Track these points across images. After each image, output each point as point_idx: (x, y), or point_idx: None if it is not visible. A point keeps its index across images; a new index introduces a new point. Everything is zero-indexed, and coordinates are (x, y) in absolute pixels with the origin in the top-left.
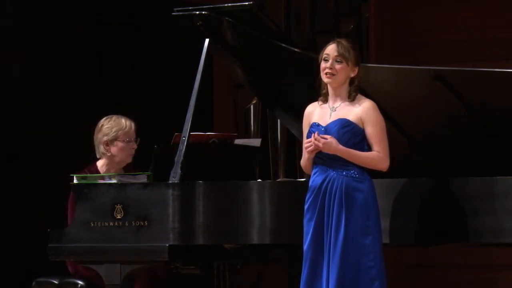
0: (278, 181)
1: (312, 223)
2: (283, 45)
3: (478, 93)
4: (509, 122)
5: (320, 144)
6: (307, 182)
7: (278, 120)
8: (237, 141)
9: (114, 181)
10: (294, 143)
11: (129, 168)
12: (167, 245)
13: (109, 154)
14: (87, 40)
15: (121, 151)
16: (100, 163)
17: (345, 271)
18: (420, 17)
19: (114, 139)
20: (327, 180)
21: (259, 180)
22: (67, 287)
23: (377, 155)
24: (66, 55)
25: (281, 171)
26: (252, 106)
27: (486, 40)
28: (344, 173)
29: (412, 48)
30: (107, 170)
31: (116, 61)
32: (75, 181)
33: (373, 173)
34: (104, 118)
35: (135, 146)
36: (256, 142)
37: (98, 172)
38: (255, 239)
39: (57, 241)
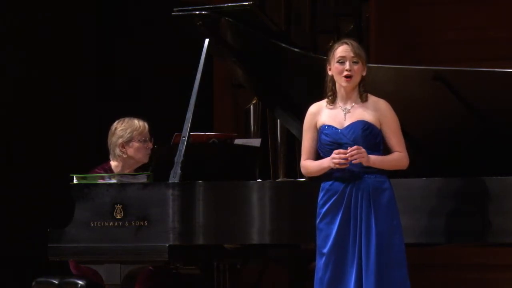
0: (278, 181)
1: (335, 226)
2: (283, 45)
3: (478, 93)
4: (509, 122)
5: (363, 154)
6: (307, 182)
7: (278, 120)
8: (237, 141)
9: (114, 181)
10: (294, 143)
11: (145, 169)
12: (167, 245)
13: (125, 156)
14: (88, 40)
15: (137, 151)
16: (114, 164)
17: (382, 271)
18: (420, 17)
19: (130, 140)
20: (351, 183)
21: (259, 180)
22: (67, 287)
23: (400, 155)
24: (66, 55)
25: (281, 171)
26: (252, 106)
27: (486, 40)
28: (366, 175)
29: (412, 48)
30: (121, 171)
31: (116, 61)
32: (75, 181)
33: None
34: (117, 121)
35: (150, 145)
36: (256, 142)
37: (112, 171)
38: (255, 239)
39: (57, 241)
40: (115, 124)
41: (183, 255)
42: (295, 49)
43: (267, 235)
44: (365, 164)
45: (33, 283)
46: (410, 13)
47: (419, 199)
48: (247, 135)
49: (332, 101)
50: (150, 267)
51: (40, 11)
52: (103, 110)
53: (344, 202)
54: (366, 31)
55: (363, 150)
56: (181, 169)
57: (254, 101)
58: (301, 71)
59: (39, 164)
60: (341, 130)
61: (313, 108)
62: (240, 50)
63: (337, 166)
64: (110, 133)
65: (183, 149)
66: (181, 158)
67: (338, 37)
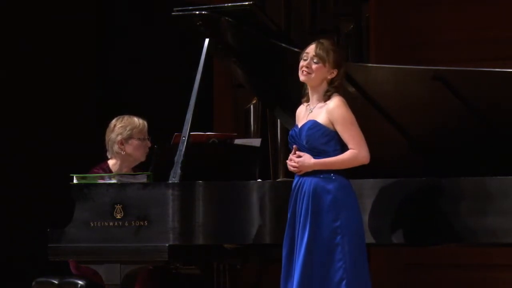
0: (278, 181)
1: (287, 224)
2: (283, 45)
3: (478, 93)
4: (509, 122)
5: (296, 164)
6: None
7: (278, 120)
8: (237, 141)
9: (114, 181)
10: None
11: (142, 167)
12: (167, 245)
13: (123, 153)
14: (87, 40)
15: (136, 149)
16: (111, 162)
17: (312, 270)
18: (420, 17)
19: (129, 137)
20: (299, 182)
21: (259, 180)
22: (67, 287)
23: (352, 153)
24: (66, 54)
25: (281, 171)
26: (252, 106)
27: (486, 40)
28: (312, 175)
29: (412, 48)
30: (119, 169)
31: (116, 61)
32: (75, 181)
33: (374, 173)
34: (116, 119)
35: (149, 144)
36: (256, 142)
37: (110, 171)
38: (255, 239)
39: (57, 241)
40: (114, 121)
41: (183, 255)
42: (295, 49)
43: (267, 235)
44: (306, 170)
45: (33, 283)
46: (410, 13)
47: (418, 199)
48: (247, 135)
49: (307, 100)
50: (150, 267)
51: (41, 10)
52: (103, 111)
53: (292, 202)
54: (366, 31)
55: (299, 160)
56: (181, 169)
57: (254, 101)
58: None
59: (39, 164)
60: (298, 129)
61: (298, 109)
62: (240, 50)
63: (291, 170)
64: (108, 130)
65: (183, 149)
66: (181, 158)
67: (338, 37)
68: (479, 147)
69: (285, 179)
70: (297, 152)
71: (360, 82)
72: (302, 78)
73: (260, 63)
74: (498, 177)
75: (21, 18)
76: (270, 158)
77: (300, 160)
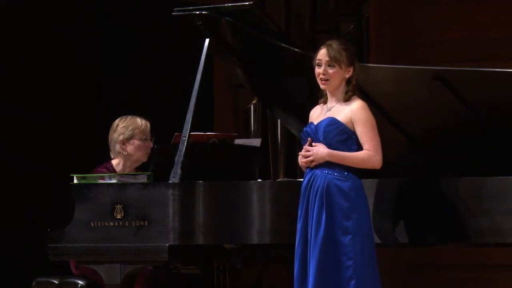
0: (278, 181)
1: (300, 221)
2: (283, 45)
3: (478, 93)
4: (509, 122)
5: (310, 154)
6: None
7: (278, 120)
8: (237, 141)
9: (114, 181)
10: (294, 143)
11: (144, 168)
12: (167, 245)
13: (125, 153)
14: (87, 40)
15: (137, 149)
16: (115, 162)
17: (325, 269)
18: (420, 17)
19: (131, 137)
20: (312, 178)
21: (259, 180)
22: (67, 287)
23: (367, 154)
24: (66, 55)
25: (281, 171)
26: (252, 106)
27: (486, 40)
28: (326, 171)
29: (412, 48)
30: (122, 169)
31: (116, 61)
32: (75, 181)
33: (373, 173)
34: (119, 119)
35: (151, 145)
36: (256, 142)
37: (114, 170)
38: (255, 239)
39: (57, 241)
40: (117, 121)
41: (183, 255)
42: (295, 49)
43: (267, 235)
44: (320, 161)
45: (33, 283)
46: (410, 13)
47: (418, 199)
48: (247, 135)
49: (325, 101)
50: (150, 267)
51: (41, 10)
52: (103, 111)
53: (305, 198)
54: (366, 31)
55: (313, 148)
56: (181, 169)
57: (254, 101)
58: (301, 71)
59: (39, 163)
60: (315, 125)
61: (312, 111)
62: (240, 50)
63: (303, 165)
64: (111, 130)
65: (183, 149)
66: (181, 158)
67: (338, 37)
68: (479, 147)
69: (285, 179)
70: (313, 144)
71: (360, 82)
72: (322, 86)
73: (260, 63)
74: (498, 177)
75: (22, 18)
76: (270, 158)
77: (314, 148)
